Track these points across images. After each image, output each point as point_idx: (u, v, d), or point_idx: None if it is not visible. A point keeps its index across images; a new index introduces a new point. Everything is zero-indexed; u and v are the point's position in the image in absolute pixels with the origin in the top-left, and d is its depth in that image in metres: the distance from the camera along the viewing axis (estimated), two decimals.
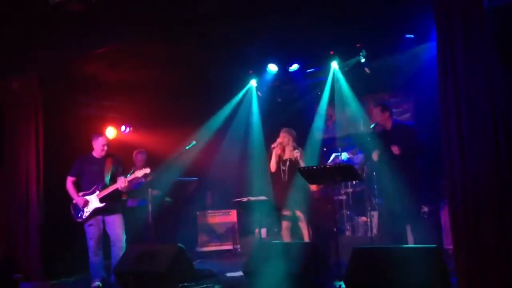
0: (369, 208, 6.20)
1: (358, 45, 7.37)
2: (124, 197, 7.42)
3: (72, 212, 6.05)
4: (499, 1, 4.01)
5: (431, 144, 6.38)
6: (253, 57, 7.58)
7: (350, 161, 7.52)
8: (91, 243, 5.95)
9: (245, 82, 8.77)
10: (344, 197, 7.73)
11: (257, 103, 8.97)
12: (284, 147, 6.39)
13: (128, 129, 9.13)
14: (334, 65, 7.94)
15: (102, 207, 5.96)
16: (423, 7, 4.84)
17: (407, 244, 5.89)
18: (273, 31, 6.48)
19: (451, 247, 4.34)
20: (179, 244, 5.47)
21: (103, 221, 6.04)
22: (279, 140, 6.37)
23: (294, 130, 6.61)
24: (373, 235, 6.39)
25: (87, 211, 5.95)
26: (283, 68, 8.11)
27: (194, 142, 6.60)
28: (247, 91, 8.87)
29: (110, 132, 8.39)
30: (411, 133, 6.16)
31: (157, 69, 7.60)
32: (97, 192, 5.98)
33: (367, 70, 7.67)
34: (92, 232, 5.96)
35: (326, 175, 5.50)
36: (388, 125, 6.26)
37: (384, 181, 6.10)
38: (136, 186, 7.37)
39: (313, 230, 6.29)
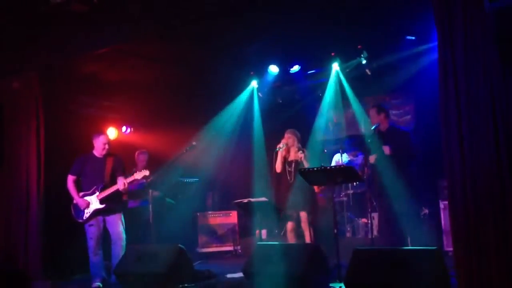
0: (369, 210, 6.19)
1: (359, 46, 7.37)
2: (125, 198, 7.43)
3: (73, 212, 6.07)
4: (499, 2, 4.01)
5: (431, 145, 6.42)
6: (254, 58, 7.58)
7: (351, 163, 7.52)
8: (92, 243, 5.96)
9: (246, 83, 8.77)
10: (344, 199, 7.73)
11: (258, 104, 8.97)
12: (289, 148, 6.38)
13: (129, 130, 9.13)
14: (335, 66, 7.94)
15: (103, 208, 5.97)
16: (424, 9, 4.84)
17: (408, 246, 5.89)
18: (274, 32, 6.48)
19: (451, 249, 4.34)
20: (180, 245, 5.47)
21: (104, 221, 6.07)
22: (284, 141, 6.35)
23: None
24: (373, 236, 6.38)
25: (88, 212, 5.97)
26: (284, 69, 8.11)
27: (194, 143, 6.60)
28: (248, 92, 8.87)
29: (111, 132, 8.39)
30: (405, 138, 6.25)
31: (158, 69, 7.62)
32: (97, 193, 5.99)
33: (368, 71, 7.67)
34: (92, 232, 5.98)
35: (327, 177, 5.50)
36: (384, 126, 6.32)
37: (384, 182, 6.11)
38: (137, 187, 7.38)
39: (314, 232, 6.28)
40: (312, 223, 6.23)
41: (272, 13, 5.95)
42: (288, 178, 6.31)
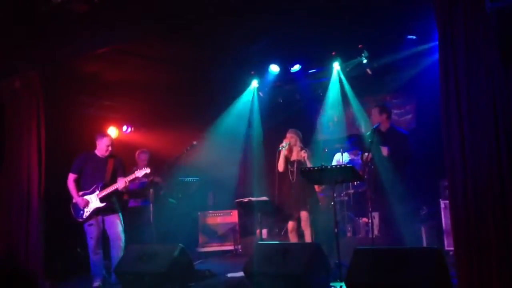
0: (370, 209, 6.19)
1: (360, 46, 7.37)
2: (125, 197, 7.45)
3: (73, 211, 6.08)
4: (501, 2, 4.01)
5: (431, 145, 6.42)
6: (254, 57, 7.58)
7: (352, 162, 7.52)
8: (91, 242, 5.99)
9: (246, 82, 8.77)
10: (345, 198, 7.73)
11: (258, 103, 8.97)
12: (292, 147, 6.37)
13: (129, 129, 9.15)
14: (336, 65, 7.94)
15: (103, 206, 5.98)
16: (425, 9, 4.84)
17: (408, 245, 5.89)
18: (275, 31, 6.48)
19: (452, 248, 4.34)
20: (180, 244, 5.47)
21: (103, 221, 6.08)
22: (286, 140, 6.34)
23: None
24: (374, 236, 6.38)
25: (88, 211, 5.98)
26: (285, 68, 8.11)
27: (195, 143, 6.60)
28: (248, 91, 8.88)
29: (112, 132, 8.40)
30: (403, 140, 6.29)
31: (159, 69, 7.62)
32: (97, 192, 6.01)
33: (368, 71, 7.68)
34: (92, 231, 6.00)
35: (328, 176, 5.50)
36: (385, 127, 6.35)
37: (384, 182, 6.12)
38: (138, 186, 7.39)
39: (314, 231, 6.28)
40: (312, 223, 6.22)
41: (272, 12, 5.94)
42: (290, 178, 6.29)
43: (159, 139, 8.50)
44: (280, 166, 6.34)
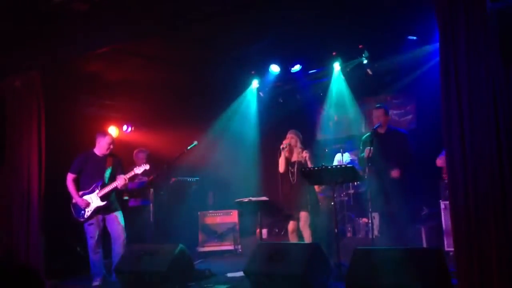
0: (370, 210, 6.19)
1: (360, 46, 7.37)
2: (126, 197, 7.45)
3: (73, 211, 6.08)
4: (501, 3, 4.01)
5: (432, 145, 6.44)
6: (255, 57, 7.58)
7: (353, 162, 7.52)
8: (91, 242, 6.00)
9: (247, 82, 8.77)
10: (345, 198, 7.73)
11: (259, 103, 8.98)
12: (292, 148, 6.36)
13: (130, 129, 9.15)
14: (336, 66, 7.94)
15: (104, 205, 5.99)
16: (426, 9, 4.84)
17: (408, 245, 5.89)
18: (275, 31, 6.48)
19: (452, 249, 4.34)
20: (180, 244, 5.47)
21: (103, 220, 6.10)
22: (286, 141, 6.33)
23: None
24: (374, 236, 6.38)
25: (89, 210, 5.99)
26: (285, 68, 8.11)
27: (195, 142, 6.60)
28: (249, 91, 8.88)
29: (112, 131, 8.41)
30: (404, 140, 6.35)
31: (159, 69, 7.62)
32: (97, 191, 6.03)
33: (369, 71, 7.67)
34: (92, 231, 6.01)
35: (328, 176, 5.50)
36: (383, 128, 6.38)
37: (384, 182, 6.13)
38: (138, 186, 7.39)
39: (315, 232, 6.27)
40: (312, 223, 6.22)
41: (273, 12, 5.95)
42: (291, 178, 6.29)
43: (159, 139, 8.50)
44: (281, 168, 6.33)
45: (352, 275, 4.34)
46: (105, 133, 6.38)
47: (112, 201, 6.15)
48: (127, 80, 7.78)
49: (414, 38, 6.89)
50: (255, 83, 8.80)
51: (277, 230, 8.51)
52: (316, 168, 5.66)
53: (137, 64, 7.33)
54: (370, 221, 6.38)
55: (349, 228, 7.68)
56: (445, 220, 6.40)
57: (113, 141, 6.30)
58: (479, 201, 3.71)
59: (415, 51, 7.08)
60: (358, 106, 8.34)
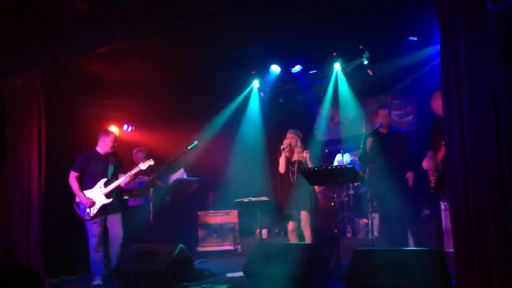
0: (370, 210, 6.19)
1: (361, 47, 7.37)
2: (125, 196, 7.45)
3: (77, 210, 6.09)
4: (502, 3, 4.01)
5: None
6: (255, 57, 7.58)
7: (352, 163, 7.52)
8: (94, 240, 6.00)
9: (247, 82, 8.77)
10: (345, 199, 7.72)
11: (259, 103, 8.97)
12: (293, 148, 6.36)
13: (130, 128, 9.16)
14: (337, 66, 7.93)
15: (109, 203, 6.02)
16: (426, 10, 4.84)
17: (408, 246, 5.88)
18: (276, 32, 6.48)
19: (452, 250, 4.33)
20: (180, 244, 5.47)
21: (105, 219, 6.11)
22: (287, 141, 6.33)
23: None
24: (374, 237, 6.38)
25: (95, 208, 6.01)
26: (286, 69, 8.10)
27: (196, 142, 6.61)
28: (249, 91, 8.88)
29: (114, 130, 8.41)
30: (406, 140, 6.41)
31: (160, 69, 7.62)
32: (102, 188, 6.07)
33: (369, 72, 7.67)
34: (95, 229, 6.02)
35: (328, 177, 5.50)
36: (386, 128, 6.38)
37: (382, 184, 6.13)
38: (138, 185, 7.39)
39: (314, 232, 6.28)
40: (312, 224, 6.22)
41: (274, 12, 5.94)
42: (291, 178, 6.29)
43: (159, 139, 8.50)
44: (282, 168, 6.33)
45: (352, 275, 4.34)
46: (108, 132, 6.43)
47: (115, 201, 6.18)
48: (127, 80, 7.78)
49: (415, 39, 6.88)
50: (255, 83, 8.80)
51: (277, 230, 8.51)
52: (316, 169, 5.66)
53: (137, 64, 7.33)
54: (370, 221, 6.38)
55: (349, 229, 7.68)
56: (445, 221, 6.41)
57: (116, 139, 6.34)
58: (479, 201, 3.70)
59: (416, 52, 7.08)
60: (359, 107, 8.34)
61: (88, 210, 6.01)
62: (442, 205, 6.62)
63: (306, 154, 6.20)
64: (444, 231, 6.41)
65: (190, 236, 7.96)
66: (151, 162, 6.19)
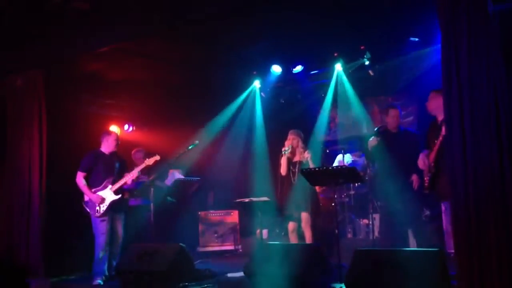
0: (371, 211, 6.19)
1: (362, 47, 7.36)
2: (126, 196, 7.46)
3: (87, 208, 6.12)
4: (503, 5, 4.01)
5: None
6: (257, 58, 7.58)
7: (354, 163, 7.51)
8: (102, 238, 6.01)
9: (248, 82, 8.77)
10: (346, 199, 7.72)
11: (260, 104, 8.97)
12: (294, 149, 6.34)
13: (131, 128, 9.16)
14: (338, 67, 7.92)
15: (118, 199, 6.08)
16: (428, 10, 4.83)
17: (409, 247, 5.87)
18: (277, 32, 6.48)
19: (452, 251, 4.33)
20: (180, 244, 5.47)
21: (112, 218, 6.16)
22: (288, 142, 6.31)
23: None
24: (374, 237, 6.37)
25: (104, 205, 6.04)
26: (287, 69, 8.10)
27: (196, 142, 6.60)
28: (250, 91, 8.88)
29: (114, 129, 8.41)
30: (416, 140, 6.31)
31: (161, 68, 7.63)
32: (110, 186, 6.11)
33: (371, 72, 7.67)
34: (104, 227, 6.05)
35: (329, 177, 5.50)
36: (394, 128, 6.34)
37: (386, 184, 6.11)
38: (138, 185, 7.39)
39: (315, 232, 6.27)
40: (313, 224, 6.22)
41: (275, 13, 5.94)
42: (292, 178, 6.28)
43: (160, 138, 8.51)
44: (283, 170, 6.31)
45: (352, 276, 4.34)
46: (109, 132, 6.56)
47: (122, 200, 6.26)
48: (128, 79, 7.78)
49: (416, 39, 6.87)
50: (256, 84, 8.80)
51: (277, 231, 8.50)
52: (317, 169, 5.66)
53: (138, 64, 7.33)
54: (370, 222, 6.38)
55: (350, 229, 7.67)
56: (446, 222, 6.40)
57: (118, 137, 6.42)
58: (479, 202, 3.70)
59: (417, 52, 7.07)
60: (360, 107, 8.32)
61: (97, 207, 6.04)
62: (442, 206, 6.61)
63: (307, 155, 6.19)
64: (445, 232, 6.41)
65: (190, 236, 7.97)
66: (157, 157, 6.22)
